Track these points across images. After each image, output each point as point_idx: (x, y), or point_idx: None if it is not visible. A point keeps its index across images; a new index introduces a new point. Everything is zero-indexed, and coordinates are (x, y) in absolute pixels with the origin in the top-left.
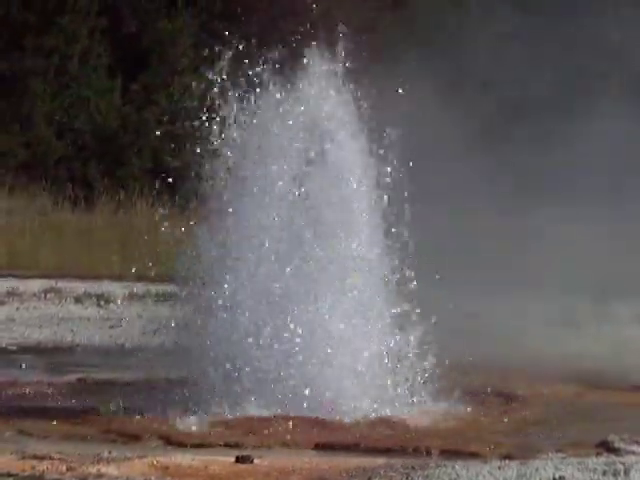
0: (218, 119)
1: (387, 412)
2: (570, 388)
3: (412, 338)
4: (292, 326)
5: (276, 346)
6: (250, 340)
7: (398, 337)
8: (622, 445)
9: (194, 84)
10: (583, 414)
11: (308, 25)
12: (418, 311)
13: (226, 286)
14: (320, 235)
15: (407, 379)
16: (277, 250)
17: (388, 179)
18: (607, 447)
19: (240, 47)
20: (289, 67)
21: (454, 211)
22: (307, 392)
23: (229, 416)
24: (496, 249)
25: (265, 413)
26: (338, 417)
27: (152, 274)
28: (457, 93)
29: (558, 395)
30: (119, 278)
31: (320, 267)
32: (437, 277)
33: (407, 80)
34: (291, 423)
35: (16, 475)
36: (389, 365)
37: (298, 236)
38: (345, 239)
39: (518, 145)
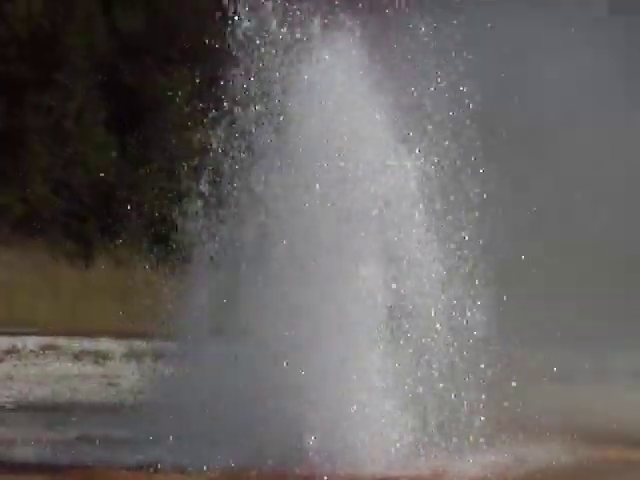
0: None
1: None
2: (567, 445)
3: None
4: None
5: (276, 400)
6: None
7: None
8: None
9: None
10: (581, 472)
11: None
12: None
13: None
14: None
15: (420, 436)
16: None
17: None
18: None
19: None
20: None
21: None
22: (314, 443)
23: (220, 469)
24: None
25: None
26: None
27: (151, 331)
28: None
29: (557, 453)
30: (117, 335)
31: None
32: None
33: None
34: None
35: None
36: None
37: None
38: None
39: None
